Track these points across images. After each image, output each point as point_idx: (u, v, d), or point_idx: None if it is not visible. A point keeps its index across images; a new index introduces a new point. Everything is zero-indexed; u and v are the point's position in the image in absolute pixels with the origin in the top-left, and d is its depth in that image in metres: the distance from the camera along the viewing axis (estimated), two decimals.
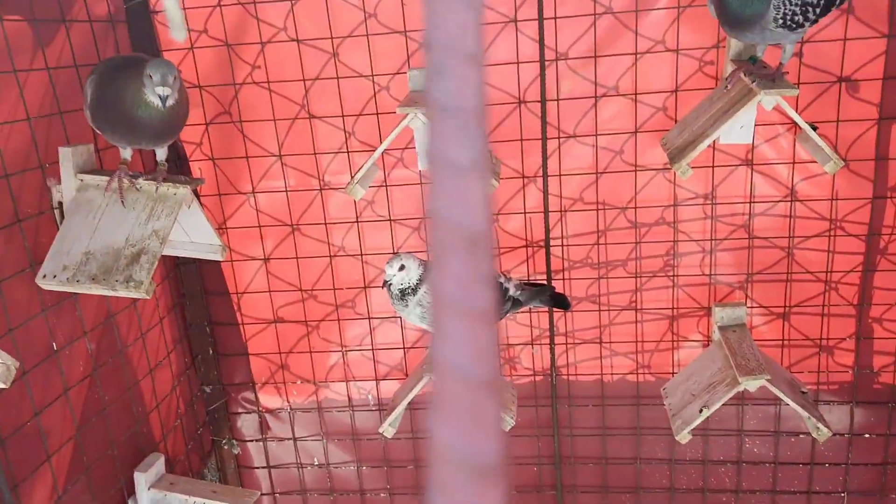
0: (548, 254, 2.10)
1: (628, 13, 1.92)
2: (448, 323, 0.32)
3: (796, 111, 1.71)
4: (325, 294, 2.23)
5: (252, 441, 2.43)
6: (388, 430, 2.05)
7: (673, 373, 2.16)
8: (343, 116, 2.05)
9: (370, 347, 2.28)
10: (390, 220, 2.14)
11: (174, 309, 2.23)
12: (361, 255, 2.18)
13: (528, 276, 2.15)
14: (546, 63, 1.92)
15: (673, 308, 2.15)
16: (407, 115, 1.71)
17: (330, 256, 2.19)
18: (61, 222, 1.64)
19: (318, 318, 2.26)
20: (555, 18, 1.92)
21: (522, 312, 2.15)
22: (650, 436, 2.25)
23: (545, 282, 2.09)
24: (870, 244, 2.03)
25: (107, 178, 1.62)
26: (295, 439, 2.40)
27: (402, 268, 1.79)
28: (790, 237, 2.05)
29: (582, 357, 2.23)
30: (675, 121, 1.96)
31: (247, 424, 2.42)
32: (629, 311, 2.17)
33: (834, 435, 2.09)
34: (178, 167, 2.11)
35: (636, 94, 1.97)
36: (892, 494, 2.23)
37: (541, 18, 1.88)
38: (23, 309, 1.62)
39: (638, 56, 1.94)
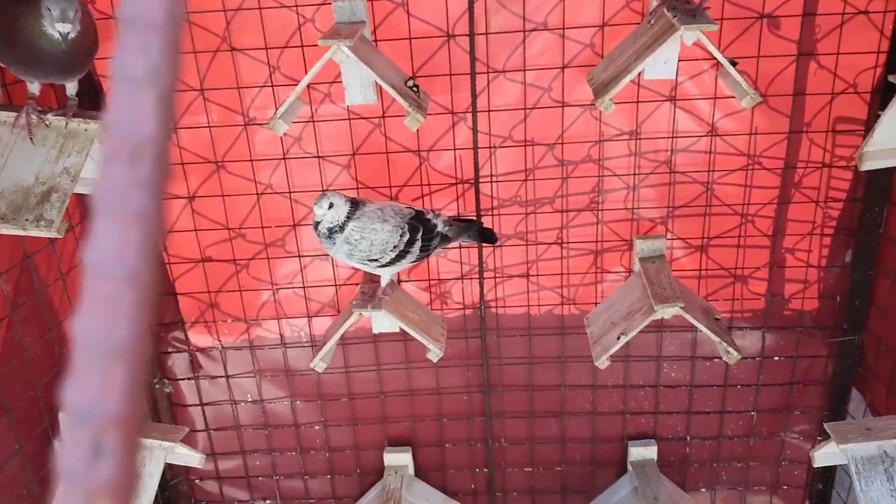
0: (477, 191, 2.12)
1: None
2: (100, 225, 0.35)
3: (719, 47, 1.73)
4: (254, 233, 2.20)
5: (184, 380, 2.42)
6: (319, 364, 2.07)
7: (596, 303, 2.24)
8: (267, 49, 1.99)
9: (301, 285, 2.28)
10: (318, 156, 2.11)
11: None
12: (290, 192, 2.15)
13: (459, 213, 2.17)
14: None
15: (597, 242, 2.21)
16: (330, 47, 1.67)
17: (257, 194, 2.16)
18: None
19: (247, 256, 2.24)
20: None
21: (453, 248, 2.17)
22: (574, 363, 2.34)
23: (475, 218, 2.11)
24: (785, 178, 2.12)
25: (14, 114, 1.55)
26: (228, 377, 2.40)
27: (330, 206, 1.78)
28: (710, 171, 2.11)
29: (510, 291, 2.29)
30: (602, 57, 1.97)
31: (178, 363, 2.40)
32: (556, 247, 2.22)
33: (745, 358, 2.22)
34: (94, 102, 2.02)
35: (564, 28, 1.97)
36: (796, 411, 2.39)
37: None
38: None
39: None
